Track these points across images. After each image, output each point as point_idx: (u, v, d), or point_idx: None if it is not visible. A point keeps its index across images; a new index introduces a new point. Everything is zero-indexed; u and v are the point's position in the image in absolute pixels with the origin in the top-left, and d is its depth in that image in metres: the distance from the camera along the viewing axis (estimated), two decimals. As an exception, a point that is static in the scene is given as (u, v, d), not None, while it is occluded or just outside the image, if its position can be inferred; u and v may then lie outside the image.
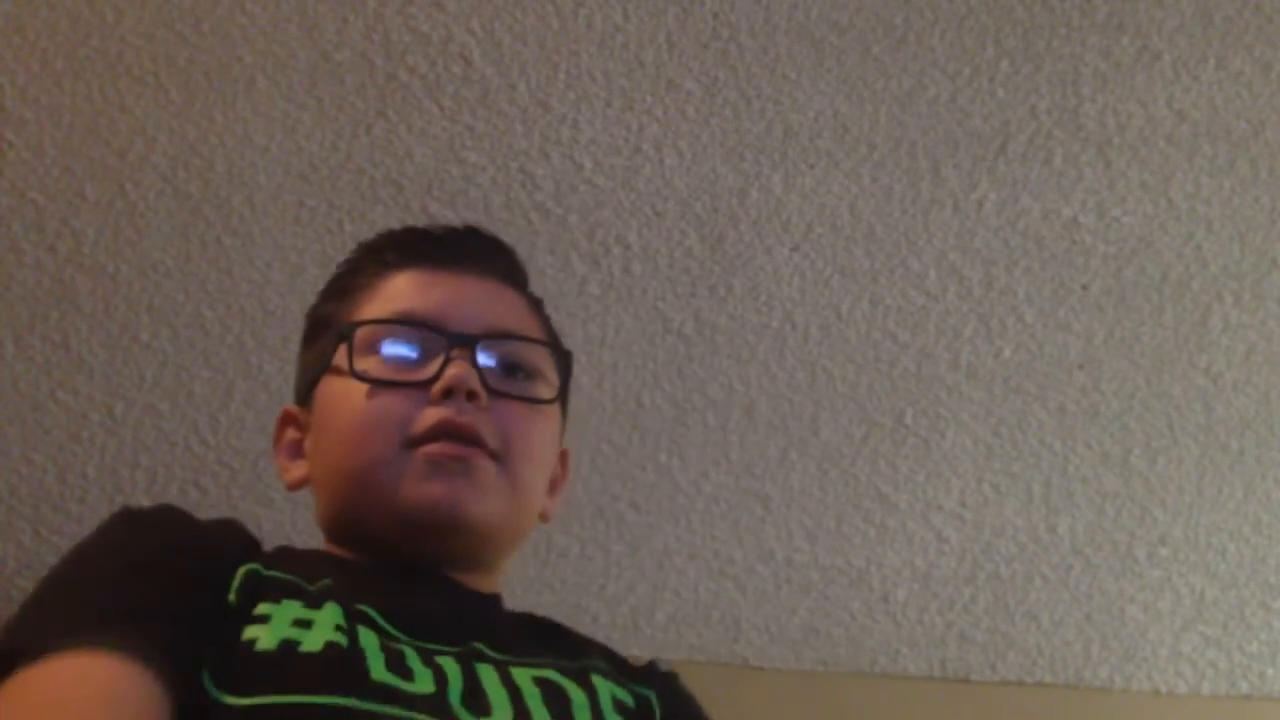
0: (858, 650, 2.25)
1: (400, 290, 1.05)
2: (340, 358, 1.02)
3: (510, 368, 1.03)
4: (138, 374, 1.89)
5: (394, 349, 1.01)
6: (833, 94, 1.66)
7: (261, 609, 0.90)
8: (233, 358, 1.88)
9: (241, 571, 0.93)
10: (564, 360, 1.08)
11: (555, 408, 1.06)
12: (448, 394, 0.98)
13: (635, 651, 1.94)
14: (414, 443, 0.98)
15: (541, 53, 1.62)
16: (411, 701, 0.86)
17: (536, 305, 1.12)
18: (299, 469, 1.06)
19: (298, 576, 0.94)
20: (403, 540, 0.98)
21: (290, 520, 2.06)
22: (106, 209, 1.74)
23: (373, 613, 0.92)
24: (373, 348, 1.02)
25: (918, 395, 1.96)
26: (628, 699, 0.98)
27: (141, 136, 1.68)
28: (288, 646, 0.87)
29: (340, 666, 0.86)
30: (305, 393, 1.08)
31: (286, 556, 1.00)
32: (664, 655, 2.13)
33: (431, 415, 0.98)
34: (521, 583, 2.11)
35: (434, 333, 1.01)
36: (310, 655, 0.86)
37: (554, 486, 1.09)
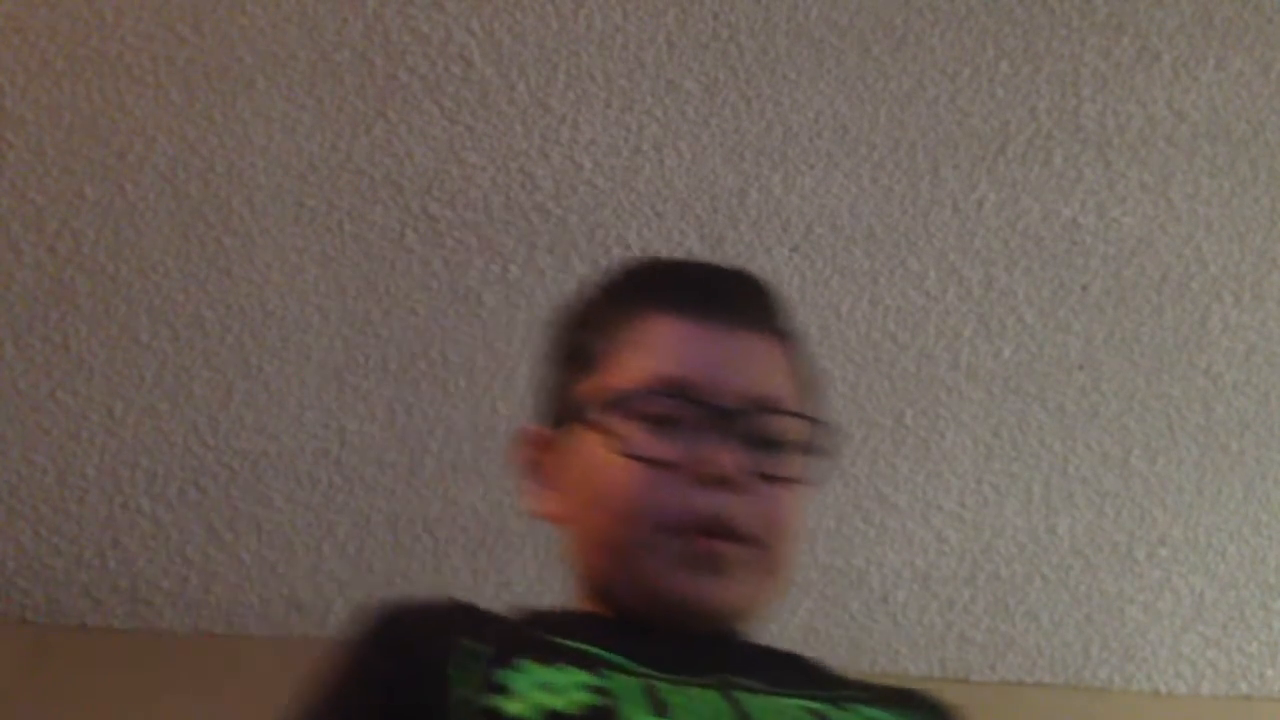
0: (857, 650, 2.25)
1: (659, 341, 1.01)
2: (605, 422, 0.99)
3: (774, 440, 1.00)
4: (137, 374, 1.89)
5: (655, 416, 0.98)
6: (832, 94, 1.66)
7: (503, 678, 0.87)
8: (232, 358, 1.88)
9: (465, 646, 0.90)
10: (825, 431, 1.03)
11: (812, 472, 1.03)
12: (718, 482, 0.96)
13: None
14: (672, 531, 0.96)
15: (541, 53, 1.62)
16: None
17: (801, 356, 1.08)
18: (549, 502, 1.04)
19: (534, 631, 0.94)
20: (654, 617, 0.97)
21: (290, 522, 2.06)
22: (106, 209, 1.74)
23: (620, 658, 0.91)
24: (632, 410, 0.98)
25: (917, 395, 1.96)
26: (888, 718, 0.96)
27: (141, 137, 1.68)
28: (546, 712, 0.85)
29: (602, 715, 0.85)
30: (555, 421, 1.05)
31: (536, 620, 0.99)
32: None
33: (696, 505, 0.96)
34: (523, 582, 2.11)
35: (699, 405, 0.98)
36: (569, 715, 0.85)
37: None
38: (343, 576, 2.13)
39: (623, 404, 0.98)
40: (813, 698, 0.94)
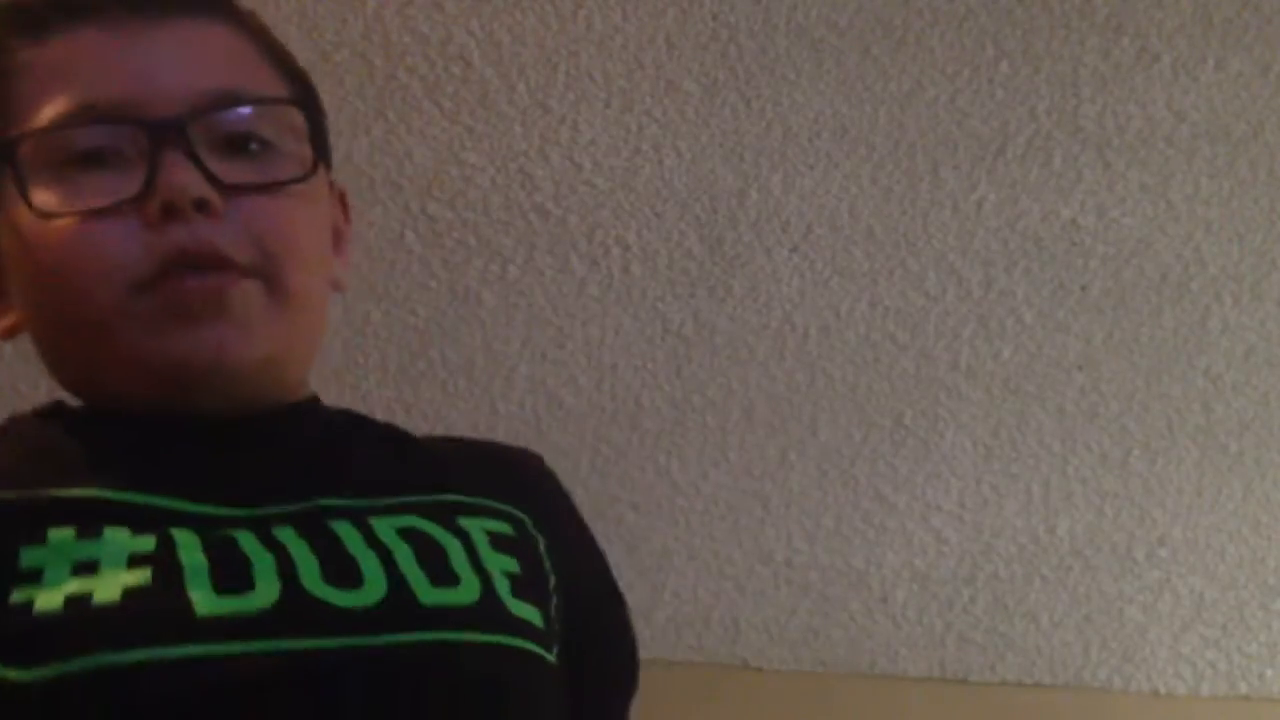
0: (857, 651, 2.25)
1: (66, 67, 0.78)
2: (10, 183, 0.77)
3: (241, 143, 0.78)
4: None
5: (79, 159, 0.76)
6: (832, 95, 1.67)
7: (26, 560, 0.70)
8: (232, 358, 1.88)
9: None
10: (304, 97, 0.84)
11: (313, 165, 0.82)
12: (170, 211, 0.75)
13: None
14: (145, 286, 0.75)
15: (541, 53, 1.62)
16: (252, 626, 0.70)
17: (257, 33, 0.85)
18: (6, 318, 0.82)
19: (51, 484, 0.74)
20: (168, 398, 0.77)
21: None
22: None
23: (180, 504, 0.74)
24: (54, 164, 0.76)
25: (917, 396, 1.96)
26: (505, 529, 0.82)
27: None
28: (77, 602, 0.69)
29: (149, 611, 0.69)
30: None
31: (31, 447, 0.79)
32: (664, 656, 2.13)
33: (157, 247, 0.75)
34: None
35: (128, 125, 0.76)
36: (108, 608, 0.68)
37: (339, 242, 0.88)
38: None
39: (36, 158, 0.76)
40: (420, 510, 0.79)
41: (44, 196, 0.76)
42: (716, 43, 1.62)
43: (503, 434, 1.91)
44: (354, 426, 0.88)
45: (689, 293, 1.84)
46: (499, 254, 1.79)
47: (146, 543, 0.72)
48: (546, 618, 0.81)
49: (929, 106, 1.68)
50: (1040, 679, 2.32)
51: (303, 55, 1.63)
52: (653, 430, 1.97)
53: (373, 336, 1.87)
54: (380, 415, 2.11)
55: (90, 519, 0.72)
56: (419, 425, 1.94)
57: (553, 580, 0.84)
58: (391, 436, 0.88)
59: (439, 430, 1.95)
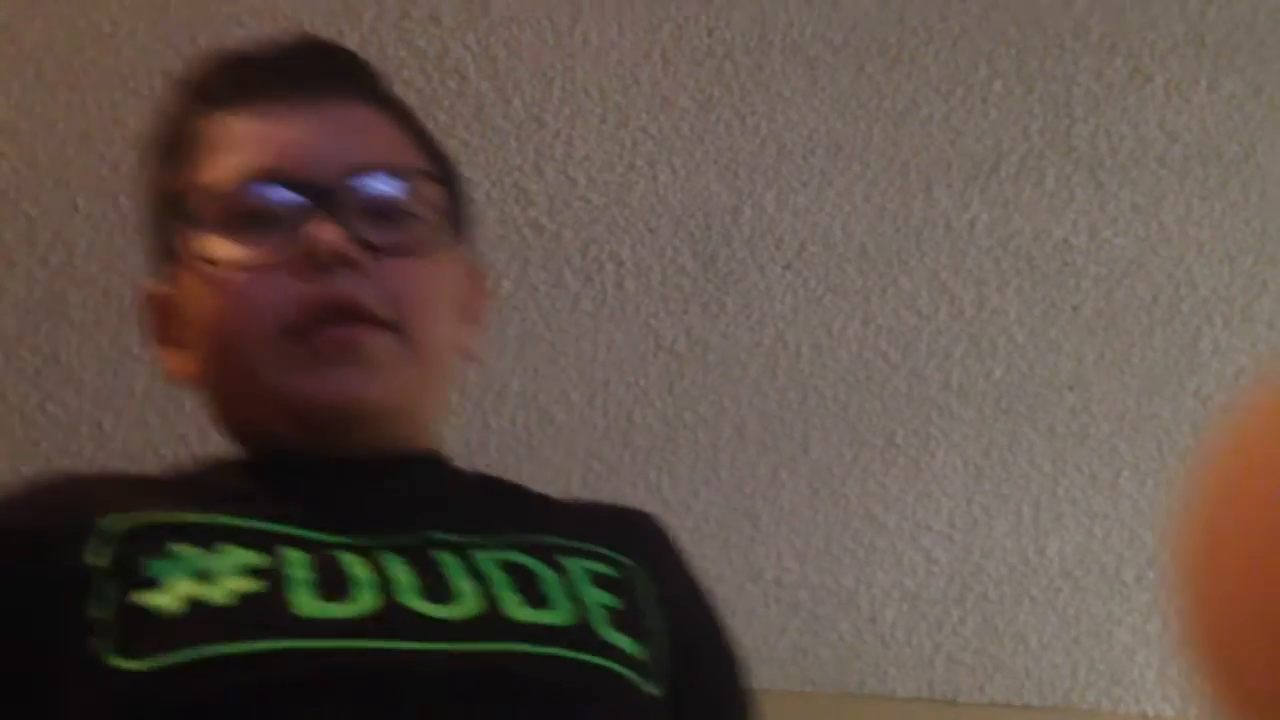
0: (846, 671, 2.24)
1: (238, 140, 0.89)
2: (188, 242, 0.88)
3: (385, 210, 0.89)
4: (127, 387, 1.89)
5: (244, 219, 0.87)
6: (826, 112, 1.67)
7: (152, 568, 0.78)
8: (223, 371, 1.88)
9: (104, 528, 0.80)
10: (445, 176, 0.94)
11: (447, 235, 0.93)
12: (318, 266, 0.84)
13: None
14: (292, 331, 0.85)
15: (536, 68, 1.63)
16: (350, 628, 0.76)
17: (405, 116, 0.97)
18: (178, 361, 0.92)
19: (191, 509, 0.82)
20: (308, 438, 0.87)
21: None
22: (99, 221, 1.74)
23: (296, 529, 0.82)
24: (221, 221, 0.87)
25: (908, 415, 1.96)
26: (608, 570, 0.88)
27: (136, 149, 1.68)
28: (195, 604, 0.76)
29: (257, 611, 0.76)
30: (164, 272, 0.93)
31: (175, 484, 0.89)
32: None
33: (306, 296, 0.84)
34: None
35: (286, 189, 0.86)
36: (221, 608, 0.76)
37: (471, 315, 0.96)
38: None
39: (207, 219, 0.87)
40: (522, 547, 0.86)
41: (212, 248, 0.87)
42: (711, 59, 1.62)
43: (494, 449, 1.91)
44: (472, 478, 0.97)
45: (682, 309, 1.84)
46: (492, 268, 1.79)
47: (259, 558, 0.79)
48: (645, 652, 0.85)
49: (923, 125, 1.68)
50: (1029, 700, 2.32)
51: (299, 68, 1.64)
52: (644, 447, 1.97)
53: (365, 350, 1.86)
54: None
55: (211, 538, 0.80)
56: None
57: (660, 627, 0.88)
58: (506, 486, 0.96)
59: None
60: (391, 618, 0.77)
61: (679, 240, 1.78)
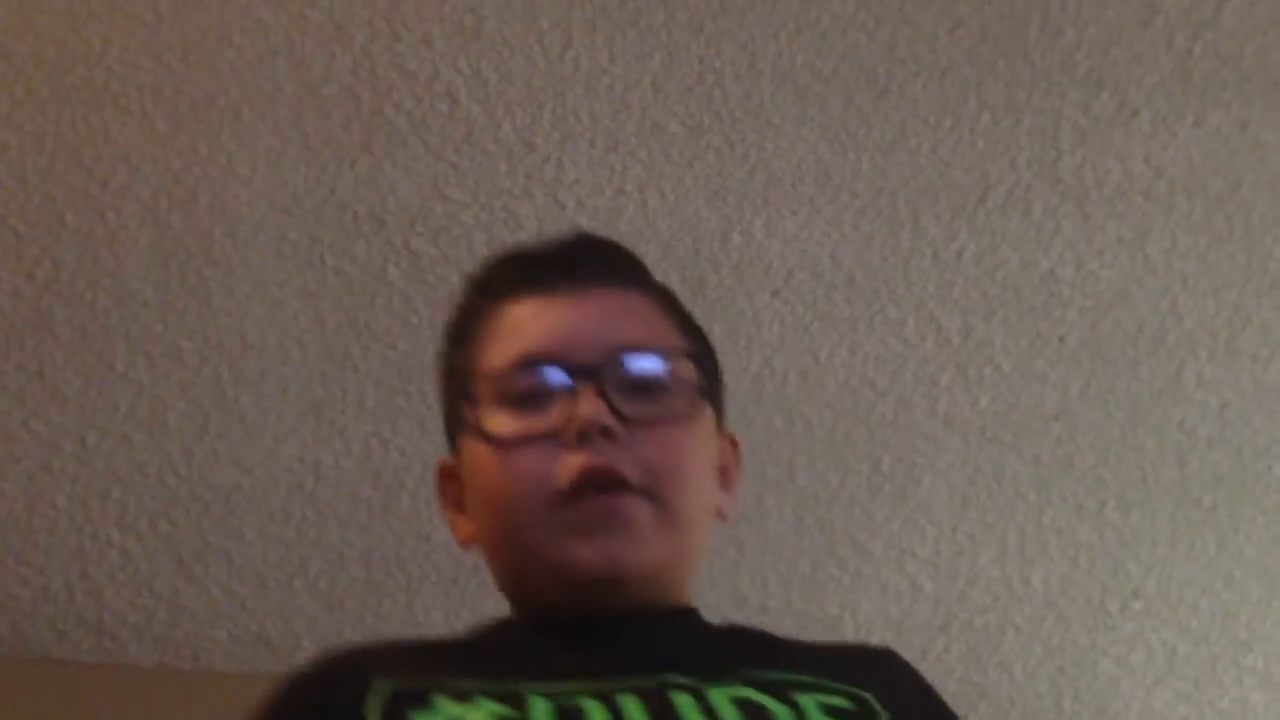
0: (829, 698, 2.24)
1: (514, 326, 1.00)
2: (470, 417, 0.99)
3: (644, 386, 0.97)
4: (112, 404, 1.88)
5: (519, 397, 0.97)
6: (815, 141, 1.68)
7: (412, 717, 0.86)
8: (209, 390, 1.87)
9: (379, 688, 0.89)
10: (700, 354, 1.02)
11: (701, 407, 1.00)
12: (582, 438, 0.93)
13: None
14: (560, 499, 0.93)
15: (527, 92, 1.63)
16: None
17: (665, 300, 1.05)
18: (464, 527, 1.02)
19: (455, 671, 0.91)
20: (571, 600, 0.95)
21: (262, 557, 2.04)
22: (87, 237, 1.74)
23: (540, 682, 0.89)
24: (499, 399, 0.97)
25: (894, 443, 1.96)
26: (843, 703, 0.92)
27: (125, 165, 1.68)
28: None
29: None
30: (451, 445, 1.04)
31: (447, 649, 0.98)
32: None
33: (571, 465, 0.93)
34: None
35: (555, 369, 0.96)
36: None
37: (726, 480, 1.04)
38: (313, 613, 2.12)
39: (489, 397, 0.97)
40: (756, 685, 0.91)
41: (492, 424, 0.96)
42: (702, 86, 1.63)
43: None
44: (719, 629, 1.01)
45: (669, 334, 1.84)
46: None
47: (508, 710, 0.86)
48: None
49: (911, 155, 1.69)
50: (1013, 730, 2.32)
51: (289, 89, 1.64)
52: (630, 471, 1.97)
53: (352, 370, 1.86)
54: (356, 450, 2.10)
55: (469, 694, 0.88)
56: (396, 460, 1.94)
57: None
58: (751, 631, 1.02)
59: (416, 467, 1.95)
60: None
61: (667, 266, 1.78)
